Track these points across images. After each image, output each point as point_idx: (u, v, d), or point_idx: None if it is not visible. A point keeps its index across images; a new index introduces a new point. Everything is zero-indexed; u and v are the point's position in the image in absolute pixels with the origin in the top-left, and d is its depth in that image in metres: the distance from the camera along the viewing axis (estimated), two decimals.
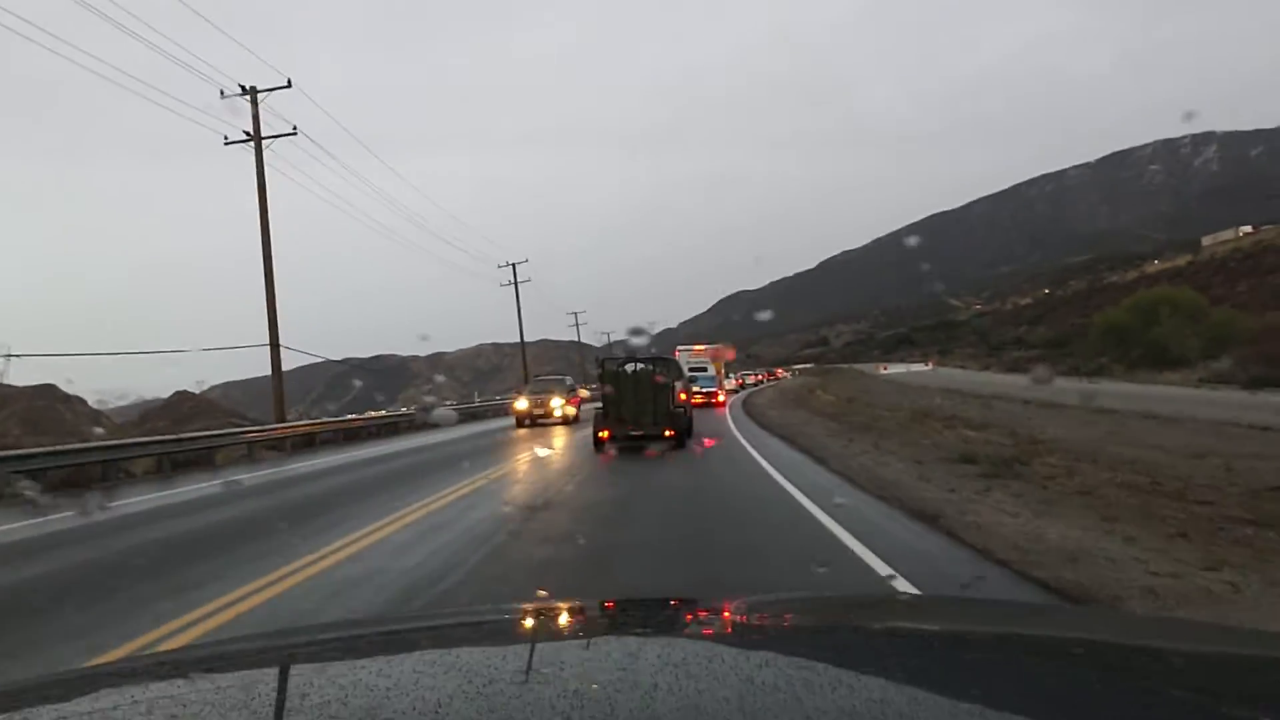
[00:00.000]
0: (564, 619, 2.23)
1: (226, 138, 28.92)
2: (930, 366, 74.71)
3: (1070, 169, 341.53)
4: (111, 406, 41.96)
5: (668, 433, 19.15)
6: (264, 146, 28.68)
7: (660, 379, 19.47)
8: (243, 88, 28.76)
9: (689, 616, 2.19)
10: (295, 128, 29.18)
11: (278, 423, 27.52)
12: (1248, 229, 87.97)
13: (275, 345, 28.79)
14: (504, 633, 2.09)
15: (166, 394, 34.28)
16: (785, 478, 12.50)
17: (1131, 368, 42.37)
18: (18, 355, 37.97)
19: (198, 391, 35.73)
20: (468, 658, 1.69)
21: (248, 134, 28.75)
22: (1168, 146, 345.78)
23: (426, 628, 2.33)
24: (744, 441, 19.59)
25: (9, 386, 38.36)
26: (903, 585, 6.04)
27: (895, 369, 76.25)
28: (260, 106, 28.62)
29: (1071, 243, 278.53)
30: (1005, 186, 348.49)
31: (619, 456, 17.40)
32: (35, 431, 30.75)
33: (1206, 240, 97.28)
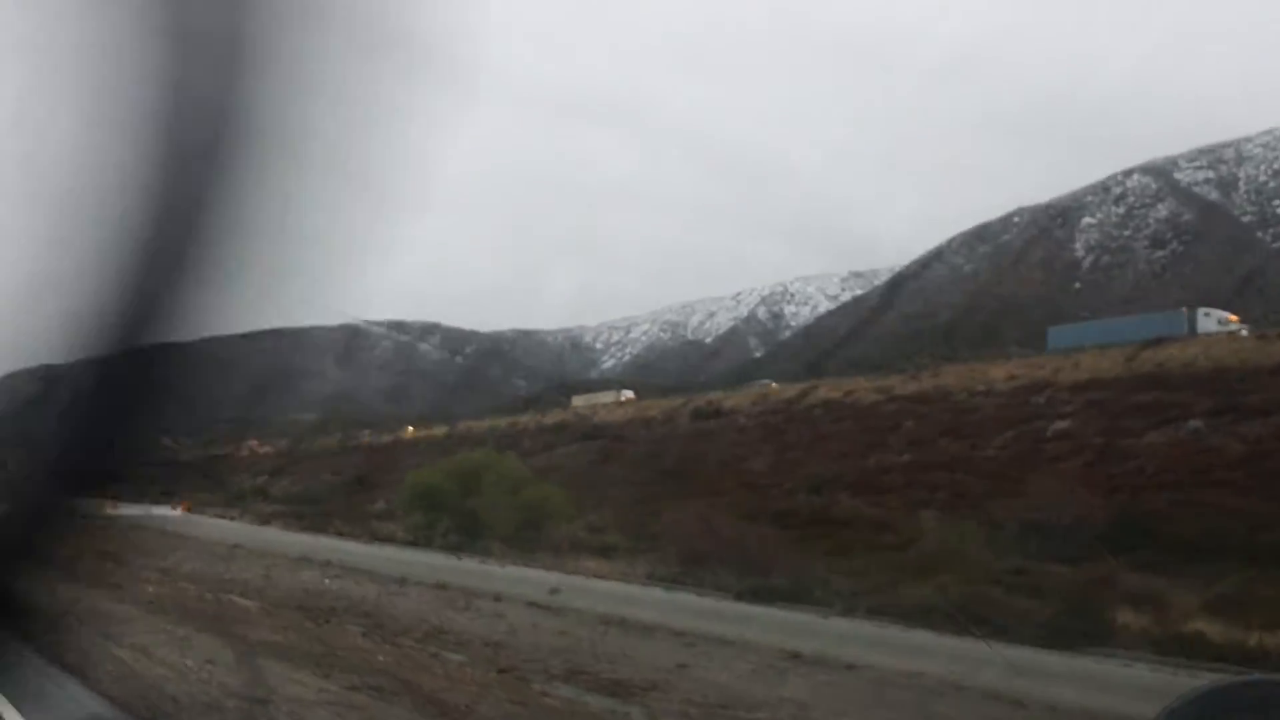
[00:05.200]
0: None
1: None
2: (181, 512, 60.96)
3: (313, 328, 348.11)
4: None
5: None
6: None
7: None
8: None
9: None
10: None
11: None
12: (629, 394, 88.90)
13: None
14: None
15: None
16: None
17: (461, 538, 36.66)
18: None
19: None
20: None
21: None
22: (399, 327, 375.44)
23: None
24: None
25: None
26: None
27: (130, 509, 60.43)
28: None
29: (303, 399, 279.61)
30: (244, 330, 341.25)
31: None
32: None
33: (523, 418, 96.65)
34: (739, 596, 23.39)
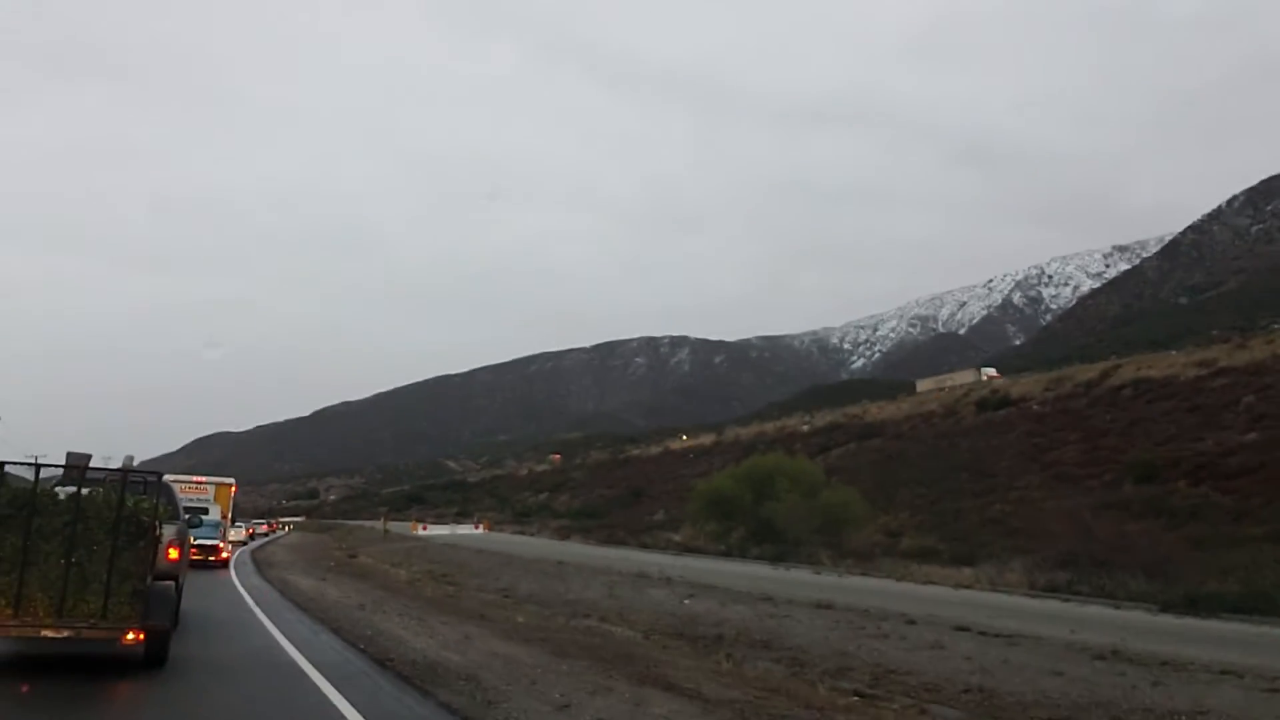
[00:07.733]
0: None
1: None
2: (482, 530, 64.63)
3: (569, 350, 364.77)
4: None
5: (131, 636, 9.41)
6: None
7: (133, 514, 9.57)
8: None
9: None
10: None
11: None
12: (991, 372, 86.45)
13: None
14: None
15: None
16: None
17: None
18: None
19: None
20: None
21: None
22: (650, 344, 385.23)
23: None
24: None
25: None
26: None
27: (437, 530, 64.74)
28: None
29: (565, 419, 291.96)
30: (508, 359, 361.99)
31: None
32: None
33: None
34: (1166, 608, 19.43)
